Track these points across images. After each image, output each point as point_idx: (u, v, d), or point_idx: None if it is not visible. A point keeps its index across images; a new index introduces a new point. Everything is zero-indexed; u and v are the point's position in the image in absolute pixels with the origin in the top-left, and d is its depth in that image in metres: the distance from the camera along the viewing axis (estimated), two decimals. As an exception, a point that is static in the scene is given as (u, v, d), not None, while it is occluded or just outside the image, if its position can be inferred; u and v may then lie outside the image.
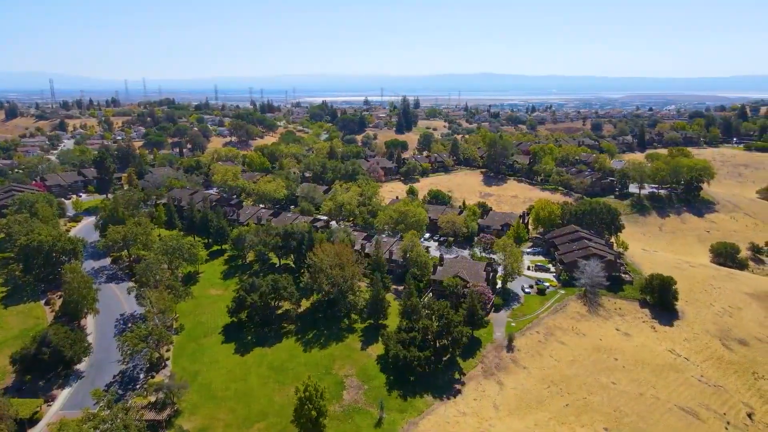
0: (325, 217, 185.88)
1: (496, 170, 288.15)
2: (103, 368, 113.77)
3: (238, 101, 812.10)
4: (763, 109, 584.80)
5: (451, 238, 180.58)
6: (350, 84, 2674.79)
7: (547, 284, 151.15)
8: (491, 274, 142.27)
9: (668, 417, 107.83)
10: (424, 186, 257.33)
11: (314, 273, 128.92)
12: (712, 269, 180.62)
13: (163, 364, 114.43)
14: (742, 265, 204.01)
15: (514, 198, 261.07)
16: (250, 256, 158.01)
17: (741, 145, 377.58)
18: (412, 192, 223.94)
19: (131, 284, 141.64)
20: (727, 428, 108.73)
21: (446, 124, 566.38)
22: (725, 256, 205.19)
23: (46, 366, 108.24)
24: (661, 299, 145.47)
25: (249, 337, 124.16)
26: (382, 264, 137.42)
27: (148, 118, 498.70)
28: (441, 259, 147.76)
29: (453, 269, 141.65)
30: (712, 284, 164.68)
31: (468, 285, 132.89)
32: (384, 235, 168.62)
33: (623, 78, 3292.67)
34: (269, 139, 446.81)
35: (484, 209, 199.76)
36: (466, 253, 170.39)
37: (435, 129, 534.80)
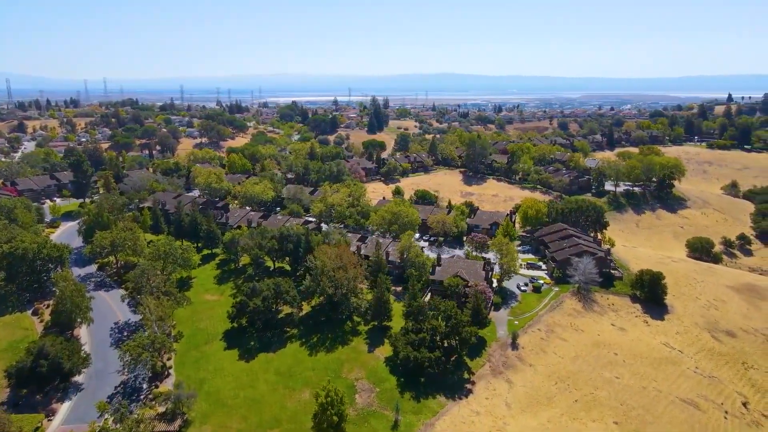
0: (313, 219, 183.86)
1: (475, 170, 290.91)
2: (103, 379, 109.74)
3: (203, 101, 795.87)
4: (717, 109, 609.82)
5: (441, 238, 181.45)
6: (315, 84, 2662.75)
7: (541, 282, 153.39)
8: (489, 273, 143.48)
9: (671, 409, 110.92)
10: (406, 186, 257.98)
11: (316, 275, 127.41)
12: (692, 264, 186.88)
13: (166, 373, 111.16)
14: (716, 259, 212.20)
15: (494, 197, 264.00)
16: (244, 260, 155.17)
17: (703, 144, 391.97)
18: (398, 192, 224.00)
19: (123, 291, 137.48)
20: (726, 418, 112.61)
21: (417, 124, 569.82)
22: (701, 250, 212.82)
23: (42, 379, 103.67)
24: (651, 294, 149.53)
25: (252, 343, 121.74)
26: (382, 265, 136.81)
27: (113, 119, 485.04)
28: (439, 259, 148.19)
29: (452, 269, 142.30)
30: (695, 278, 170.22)
31: (469, 284, 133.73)
32: (374, 236, 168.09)
33: (579, 78, 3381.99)
34: (240, 140, 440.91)
35: (472, 208, 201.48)
36: (458, 252, 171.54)
37: (406, 129, 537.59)
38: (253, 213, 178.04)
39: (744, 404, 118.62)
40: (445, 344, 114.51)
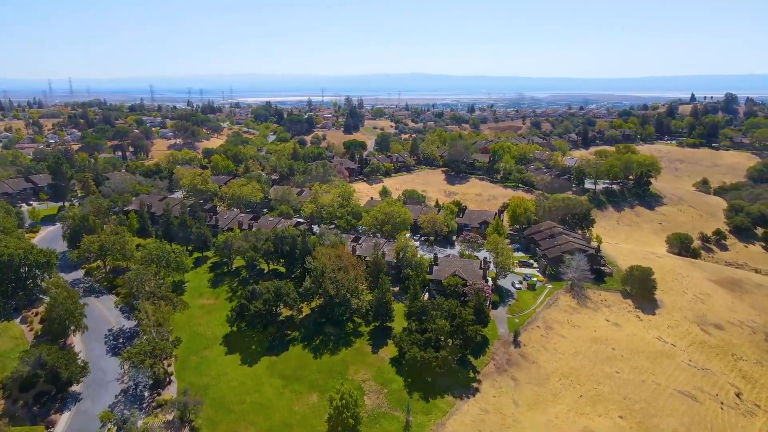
0: (304, 220, 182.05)
1: (457, 169, 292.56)
2: (102, 388, 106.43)
3: (174, 101, 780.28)
4: (682, 108, 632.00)
5: (432, 237, 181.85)
6: (286, 84, 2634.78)
7: (534, 279, 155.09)
8: (486, 271, 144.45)
9: (672, 401, 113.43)
10: (390, 186, 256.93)
11: (316, 277, 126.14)
12: (676, 259, 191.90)
13: (168, 380, 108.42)
14: (695, 254, 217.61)
15: (478, 196, 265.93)
16: (237, 262, 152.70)
17: (673, 142, 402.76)
18: (385, 192, 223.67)
19: (114, 297, 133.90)
20: (722, 408, 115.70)
21: (393, 124, 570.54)
22: (680, 246, 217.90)
23: (39, 389, 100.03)
24: (642, 289, 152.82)
25: (253, 347, 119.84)
26: (382, 266, 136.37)
27: (81, 120, 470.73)
28: (436, 258, 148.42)
29: (449, 268, 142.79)
30: (680, 273, 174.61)
31: (467, 283, 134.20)
32: (369, 236, 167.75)
33: (545, 78, 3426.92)
34: (216, 141, 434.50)
35: (460, 208, 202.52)
36: (449, 251, 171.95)
37: (382, 129, 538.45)
38: (242, 215, 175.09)
39: (737, 395, 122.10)
40: (450, 343, 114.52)
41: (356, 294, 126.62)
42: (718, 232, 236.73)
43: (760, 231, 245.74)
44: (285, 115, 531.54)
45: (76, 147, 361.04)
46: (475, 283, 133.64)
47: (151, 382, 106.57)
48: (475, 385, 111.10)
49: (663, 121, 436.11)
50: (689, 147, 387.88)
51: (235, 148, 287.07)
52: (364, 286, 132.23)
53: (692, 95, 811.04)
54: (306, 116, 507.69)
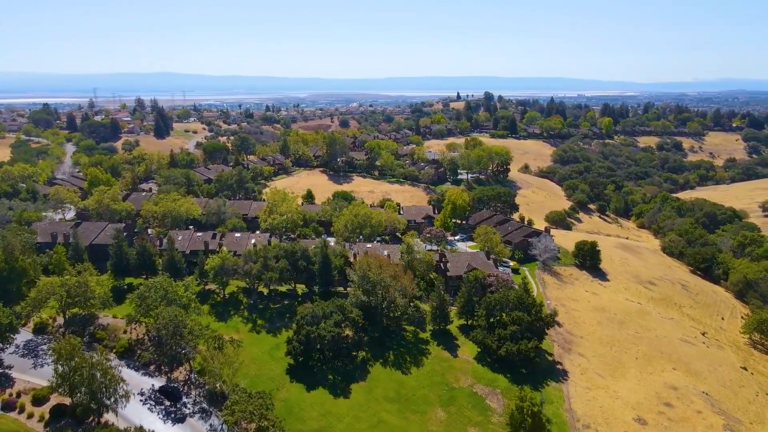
0: (264, 234, 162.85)
1: (335, 168, 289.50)
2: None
3: None
4: (453, 104, 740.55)
5: (388, 236, 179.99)
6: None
7: (510, 263, 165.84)
8: (497, 262, 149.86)
9: (684, 348, 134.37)
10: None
11: (368, 289, 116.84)
12: (580, 234, 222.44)
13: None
14: (568, 227, 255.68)
15: (371, 193, 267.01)
16: (228, 289, 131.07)
17: (486, 134, 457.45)
18: (310, 196, 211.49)
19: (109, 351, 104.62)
20: (708, 346, 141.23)
21: (204, 126, 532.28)
22: (558, 222, 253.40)
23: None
24: (592, 261, 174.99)
25: (331, 377, 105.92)
26: (415, 270, 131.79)
27: None
28: (443, 256, 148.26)
29: (461, 263, 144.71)
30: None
31: (491, 275, 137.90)
32: (375, 242, 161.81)
33: (300, 78, 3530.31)
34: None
35: (398, 205, 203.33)
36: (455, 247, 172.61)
37: (195, 132, 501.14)
38: (200, 234, 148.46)
39: (703, 334, 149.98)
40: (527, 334, 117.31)
41: (413, 302, 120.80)
42: (573, 208, 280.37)
43: (593, 206, 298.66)
44: (79, 120, 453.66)
45: None
46: (498, 274, 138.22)
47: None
48: (560, 367, 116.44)
49: (472, 116, 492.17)
50: (500, 138, 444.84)
51: (110, 159, 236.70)
52: (418, 293, 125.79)
53: (458, 94, 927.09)
54: (110, 121, 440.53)
